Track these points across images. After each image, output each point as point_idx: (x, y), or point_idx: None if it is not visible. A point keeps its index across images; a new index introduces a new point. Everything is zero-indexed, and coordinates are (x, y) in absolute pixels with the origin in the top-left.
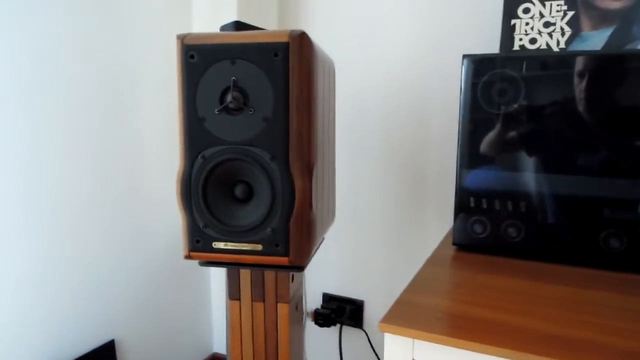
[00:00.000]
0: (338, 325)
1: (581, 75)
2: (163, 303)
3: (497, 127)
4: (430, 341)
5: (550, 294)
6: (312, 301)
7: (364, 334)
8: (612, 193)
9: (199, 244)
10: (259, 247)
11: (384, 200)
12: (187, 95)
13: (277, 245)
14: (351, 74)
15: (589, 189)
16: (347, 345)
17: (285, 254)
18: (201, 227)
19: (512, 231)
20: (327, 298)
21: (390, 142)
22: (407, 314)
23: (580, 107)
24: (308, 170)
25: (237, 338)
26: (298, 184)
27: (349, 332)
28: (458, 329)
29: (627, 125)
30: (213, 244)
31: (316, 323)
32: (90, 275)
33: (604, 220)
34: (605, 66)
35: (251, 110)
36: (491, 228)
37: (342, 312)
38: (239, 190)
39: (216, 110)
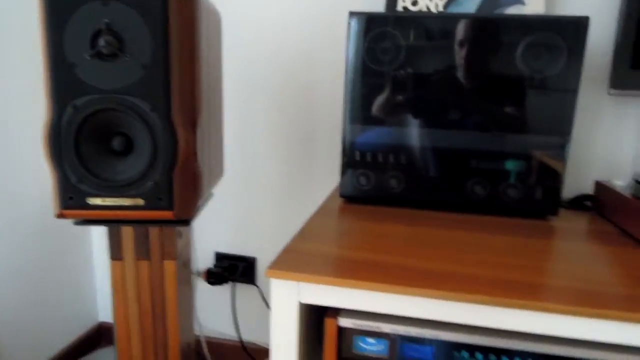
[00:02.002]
0: (231, 283)
1: (460, 42)
2: (38, 272)
3: (381, 85)
4: (315, 283)
5: (427, 236)
6: (204, 261)
7: (257, 289)
8: (478, 146)
9: (72, 200)
10: (141, 201)
11: (274, 157)
12: (52, 38)
13: (160, 199)
14: (238, 32)
15: (460, 142)
16: (240, 301)
17: (169, 207)
18: (74, 182)
19: (393, 182)
20: (220, 257)
21: (280, 99)
22: (294, 261)
23: (460, 73)
24: (192, 121)
25: (120, 300)
26: (181, 135)
27: (242, 289)
28: (343, 270)
29: (492, 84)
30: (88, 200)
31: (208, 282)
32: None
33: (471, 170)
34: (476, 29)
35: (127, 57)
36: (375, 180)
37: (234, 270)
38: (117, 143)
39: (87, 55)
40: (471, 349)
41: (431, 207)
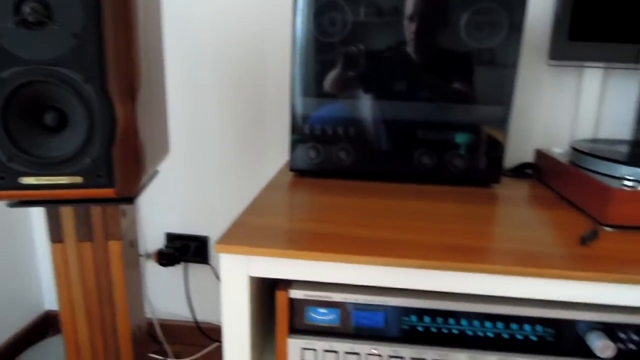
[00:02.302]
0: (183, 264)
1: (409, 17)
2: None
3: (328, 58)
4: (265, 256)
5: (376, 207)
6: (155, 242)
7: (210, 268)
8: (425, 118)
9: (3, 181)
10: (79, 179)
11: (223, 134)
12: None
13: (99, 176)
14: (184, 6)
15: (407, 114)
16: (194, 282)
17: (110, 184)
18: (4, 161)
19: (343, 155)
20: (171, 238)
21: (228, 75)
22: (244, 234)
23: (409, 48)
24: (130, 94)
25: (64, 284)
26: (119, 108)
27: (195, 269)
28: (292, 242)
29: (439, 57)
30: (21, 179)
31: (160, 263)
32: None
33: (418, 142)
34: (424, 3)
35: (56, 25)
36: (324, 153)
37: (186, 250)
38: (49, 118)
39: (10, 23)
40: (420, 312)
41: (381, 179)
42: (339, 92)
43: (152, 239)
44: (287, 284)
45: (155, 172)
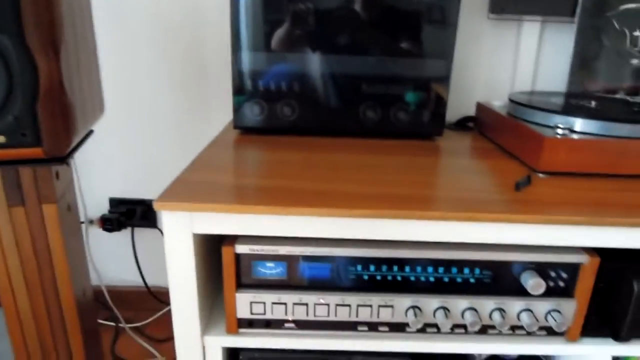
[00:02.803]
0: (130, 228)
1: None
2: None
3: (269, 11)
4: (208, 211)
5: (321, 161)
6: (99, 208)
7: (158, 232)
8: (369, 71)
9: None
10: (2, 138)
11: (164, 92)
12: None
13: (23, 134)
14: None
15: (351, 68)
16: (142, 245)
17: (37, 143)
18: None
19: (288, 110)
20: (115, 203)
21: (169, 31)
22: (185, 191)
23: (357, 5)
24: (52, 46)
25: None
26: (41, 62)
27: (143, 232)
28: (236, 197)
29: (383, 12)
30: None
31: (105, 229)
32: None
33: (363, 96)
34: None
35: None
36: (269, 109)
37: (133, 214)
38: None
39: None
40: (365, 261)
41: (327, 134)
42: (280, 45)
43: (95, 205)
44: (233, 239)
45: (90, 132)
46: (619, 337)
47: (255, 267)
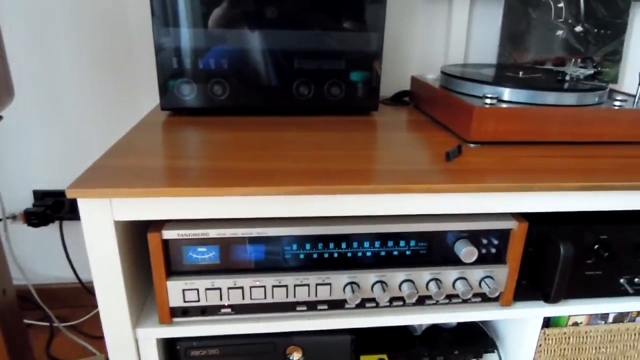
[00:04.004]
0: (57, 222)
1: None
2: None
3: None
4: (128, 197)
5: (252, 140)
6: (23, 201)
7: None
8: (300, 47)
9: None
10: None
11: (89, 77)
12: None
13: None
14: None
15: (282, 44)
16: (72, 239)
17: None
18: None
19: (217, 89)
20: (40, 195)
21: (87, 10)
22: (102, 177)
23: None
24: None
25: None
26: None
27: (72, 226)
28: (159, 180)
29: None
30: None
31: (30, 224)
32: None
33: (295, 72)
34: None
35: None
36: (197, 89)
37: (60, 207)
38: None
39: None
40: (300, 240)
41: (260, 113)
42: (205, 21)
43: (17, 198)
44: (160, 225)
45: None
46: (549, 298)
47: (187, 253)
